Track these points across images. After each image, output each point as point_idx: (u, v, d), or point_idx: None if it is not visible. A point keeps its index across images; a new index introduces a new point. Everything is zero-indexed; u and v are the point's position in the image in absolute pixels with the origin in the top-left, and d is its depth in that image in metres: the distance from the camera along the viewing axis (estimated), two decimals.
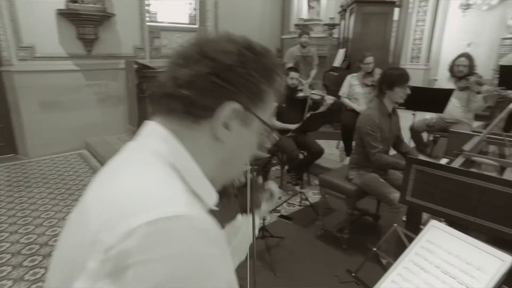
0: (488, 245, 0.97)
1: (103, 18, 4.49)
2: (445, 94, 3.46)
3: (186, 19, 6.13)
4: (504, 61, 4.41)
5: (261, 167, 2.89)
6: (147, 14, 5.14)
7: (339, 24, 5.73)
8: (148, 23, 5.14)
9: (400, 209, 2.22)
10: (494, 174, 1.76)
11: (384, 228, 2.75)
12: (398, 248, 1.14)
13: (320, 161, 3.61)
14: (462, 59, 3.51)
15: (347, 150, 3.89)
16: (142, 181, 0.48)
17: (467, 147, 1.94)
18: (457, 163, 1.86)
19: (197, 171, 0.55)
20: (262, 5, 6.69)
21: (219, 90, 0.53)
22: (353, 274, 1.15)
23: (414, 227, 2.23)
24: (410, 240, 1.09)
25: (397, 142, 2.62)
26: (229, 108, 0.54)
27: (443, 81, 3.78)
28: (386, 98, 2.38)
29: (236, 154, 0.60)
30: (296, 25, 6.05)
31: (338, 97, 3.95)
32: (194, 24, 6.14)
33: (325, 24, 5.97)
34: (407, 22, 6.78)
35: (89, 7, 4.31)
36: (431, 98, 3.52)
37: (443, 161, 2.22)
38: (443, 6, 7.05)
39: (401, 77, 2.31)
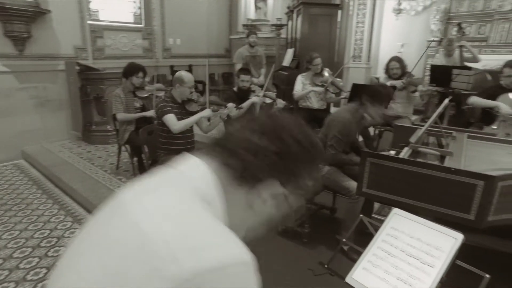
0: (443, 226, 1.08)
1: (37, 14, 4.13)
2: None
3: (130, 18, 5.87)
4: (431, 62, 4.87)
5: None
6: (87, 12, 4.83)
7: (286, 25, 5.89)
8: (89, 22, 4.83)
9: (358, 199, 2.36)
10: (436, 163, 1.94)
11: (340, 220, 2.91)
12: (364, 237, 1.22)
13: None
14: (394, 63, 3.85)
15: None
16: (202, 220, 0.53)
17: (413, 139, 2.12)
18: (405, 154, 2.02)
19: (224, 214, 0.60)
20: (209, 5, 6.64)
21: (273, 169, 0.59)
22: (326, 266, 1.20)
23: (368, 216, 2.39)
24: (376, 228, 1.17)
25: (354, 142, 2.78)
26: (273, 188, 0.60)
27: (384, 80, 4.08)
28: (367, 109, 2.46)
29: (259, 220, 0.66)
30: (244, 25, 6.10)
31: (290, 100, 4.07)
32: (140, 24, 5.90)
33: (272, 25, 6.10)
34: (348, 24, 7.18)
35: (19, 1, 3.93)
36: None
37: (391, 153, 2.40)
38: (379, 10, 7.59)
39: (387, 96, 2.45)
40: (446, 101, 2.22)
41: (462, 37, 4.64)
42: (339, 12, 5.44)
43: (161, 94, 3.78)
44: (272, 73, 4.03)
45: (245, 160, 0.57)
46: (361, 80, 7.18)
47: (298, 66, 4.78)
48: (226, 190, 0.59)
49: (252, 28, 5.63)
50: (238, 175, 0.58)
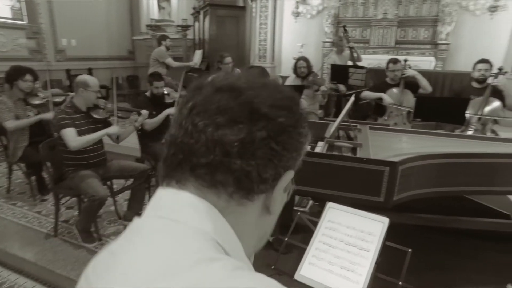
0: (370, 213, 1.21)
1: None
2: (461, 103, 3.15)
3: (7, 13, 5.02)
4: (326, 60, 5.40)
5: (143, 181, 2.72)
6: None
7: (192, 26, 5.81)
8: None
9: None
10: (349, 154, 2.16)
11: None
12: (305, 233, 1.29)
13: None
14: (301, 62, 4.16)
15: None
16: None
17: (327, 134, 2.31)
18: (322, 149, 2.19)
19: (240, 249, 0.47)
20: (107, 2, 6.11)
21: (278, 159, 0.45)
22: (273, 267, 1.23)
23: (290, 209, 2.55)
24: (314, 223, 1.25)
25: None
26: (287, 179, 0.49)
27: (290, 80, 4.36)
28: None
29: (273, 221, 0.54)
30: (148, 25, 5.81)
31: None
32: (21, 20, 5.10)
33: (178, 26, 5.95)
34: (252, 25, 7.46)
35: None
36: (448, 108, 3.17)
37: (307, 147, 2.59)
38: (279, 12, 8.06)
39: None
40: (352, 98, 2.48)
41: (349, 38, 5.22)
42: (245, 14, 5.60)
43: (60, 99, 3.35)
44: (184, 75, 3.94)
45: (238, 169, 0.43)
46: None
47: (208, 68, 4.77)
48: (229, 212, 0.45)
49: (156, 28, 5.39)
50: (238, 189, 0.44)
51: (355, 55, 5.04)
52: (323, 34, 8.30)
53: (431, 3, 7.62)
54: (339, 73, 4.45)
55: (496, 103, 3.40)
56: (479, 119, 3.33)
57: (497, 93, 3.44)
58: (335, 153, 2.21)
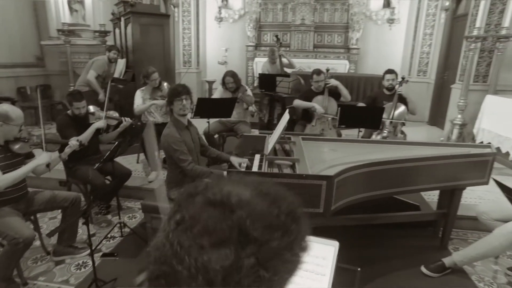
0: (321, 238, 1.32)
1: None
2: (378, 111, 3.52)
3: None
4: (261, 69, 5.56)
5: (84, 212, 2.48)
6: None
7: (111, 32, 5.43)
8: None
9: None
10: (288, 169, 2.29)
11: None
12: None
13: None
14: (228, 78, 4.17)
15: (152, 164, 3.89)
16: None
17: (266, 151, 2.41)
18: (264, 166, 2.28)
19: None
20: (3, 3, 5.34)
21: (267, 285, 0.41)
22: None
23: None
24: None
25: (204, 150, 2.87)
26: None
27: (218, 92, 4.33)
28: (174, 113, 2.57)
29: None
30: (60, 30, 5.26)
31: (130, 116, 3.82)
32: None
33: (95, 31, 5.50)
34: (175, 30, 7.27)
35: None
36: (368, 115, 3.55)
37: (243, 160, 2.67)
38: (202, 16, 8.00)
39: (174, 91, 2.54)
40: (286, 114, 2.62)
41: (280, 47, 5.46)
42: (170, 22, 5.43)
43: None
44: (110, 87, 3.69)
45: None
46: (193, 85, 7.45)
47: (134, 78, 4.53)
48: None
49: (70, 33, 4.93)
50: None
51: (286, 62, 5.27)
52: (246, 38, 8.49)
53: (341, 12, 8.34)
54: (266, 82, 4.63)
55: (402, 108, 3.91)
56: (391, 122, 3.80)
57: (402, 99, 3.96)
58: (275, 169, 2.32)
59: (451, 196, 2.81)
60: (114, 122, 3.30)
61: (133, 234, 2.91)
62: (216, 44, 8.44)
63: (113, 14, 5.20)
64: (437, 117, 6.65)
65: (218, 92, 4.33)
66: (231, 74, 4.20)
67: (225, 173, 2.55)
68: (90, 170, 2.85)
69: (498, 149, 4.26)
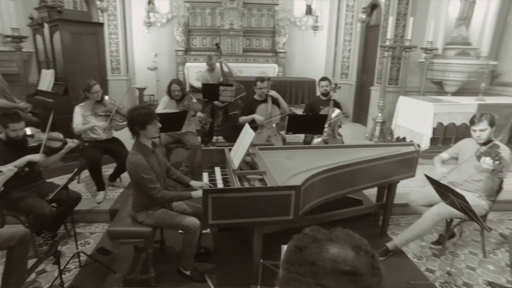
0: None
1: None
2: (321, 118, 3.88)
3: None
4: (199, 77, 5.56)
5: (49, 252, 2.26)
6: None
7: (32, 38, 4.87)
8: None
9: (197, 231, 2.53)
10: (257, 182, 2.43)
11: (171, 249, 3.01)
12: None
13: None
14: (174, 85, 4.15)
15: (98, 185, 3.67)
16: None
17: (234, 166, 2.52)
18: (235, 181, 2.38)
19: None
20: None
21: None
22: None
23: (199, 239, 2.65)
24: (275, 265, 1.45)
25: (167, 171, 2.83)
26: None
27: (164, 101, 4.25)
28: (142, 137, 2.47)
29: None
30: None
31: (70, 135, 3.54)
32: None
33: (7, 36, 4.88)
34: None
35: None
36: (313, 122, 3.86)
37: (204, 175, 2.74)
38: (128, 21, 7.60)
39: (150, 115, 2.43)
40: (250, 130, 2.73)
41: (221, 55, 5.52)
42: (105, 30, 5.08)
43: None
44: (26, 98, 3.34)
45: None
46: (123, 92, 7.04)
47: (67, 92, 4.17)
48: None
49: None
50: None
51: (226, 70, 5.35)
52: (175, 42, 8.34)
53: (268, 17, 8.73)
54: (210, 91, 4.68)
55: (337, 111, 4.35)
56: (329, 125, 4.19)
57: (336, 104, 4.39)
58: (245, 182, 2.44)
59: (388, 190, 3.27)
60: (58, 144, 3.03)
61: (94, 263, 2.75)
62: (145, 50, 8.12)
63: (31, 18, 4.66)
64: (359, 115, 7.46)
65: (163, 102, 4.25)
66: (177, 81, 4.17)
67: (192, 193, 2.55)
68: (44, 203, 2.60)
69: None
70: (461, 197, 2.27)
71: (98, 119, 3.69)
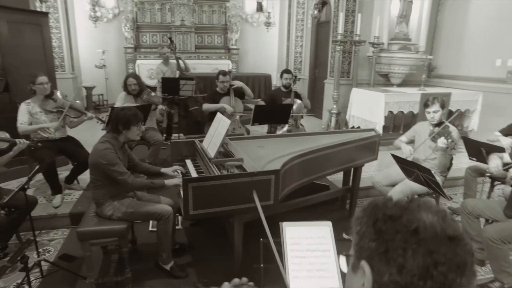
0: (315, 221, 1.54)
1: None
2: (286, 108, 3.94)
3: None
4: (156, 72, 5.33)
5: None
6: None
7: None
8: None
9: (170, 218, 2.45)
10: (237, 171, 2.41)
11: (144, 247, 2.87)
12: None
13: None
14: (131, 79, 3.96)
15: (54, 188, 3.37)
16: None
17: (211, 155, 2.47)
18: (213, 170, 2.34)
19: None
20: None
21: None
22: None
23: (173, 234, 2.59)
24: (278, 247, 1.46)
25: (134, 165, 2.70)
26: None
27: (121, 98, 4.03)
28: (122, 135, 2.44)
29: None
30: None
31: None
32: None
33: None
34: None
35: None
36: (278, 112, 3.88)
37: (175, 168, 2.66)
38: (71, 14, 7.06)
39: (136, 116, 2.42)
40: (225, 118, 2.70)
41: (175, 49, 5.35)
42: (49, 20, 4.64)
43: None
44: None
45: None
46: (70, 91, 6.55)
47: (8, 88, 3.77)
48: None
49: None
50: None
51: (182, 65, 5.21)
52: (123, 39, 7.95)
53: (219, 14, 8.69)
54: (170, 85, 4.53)
55: (299, 102, 4.47)
56: (292, 116, 4.29)
57: (297, 95, 4.51)
58: (223, 171, 2.41)
59: (354, 173, 3.44)
60: (4, 145, 2.73)
61: (58, 271, 2.51)
62: (92, 46, 7.61)
63: None
64: (314, 108, 7.70)
65: (120, 98, 4.02)
66: (134, 75, 4.00)
67: (166, 182, 2.49)
68: None
69: None
70: (427, 171, 2.46)
71: (48, 116, 3.39)
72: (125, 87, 3.98)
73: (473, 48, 5.92)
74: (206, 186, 2.16)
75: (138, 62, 7.72)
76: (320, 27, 7.29)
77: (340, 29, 5.72)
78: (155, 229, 3.13)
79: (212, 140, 2.59)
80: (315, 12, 6.99)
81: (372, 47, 5.91)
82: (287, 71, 4.56)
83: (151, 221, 3.20)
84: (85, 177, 3.82)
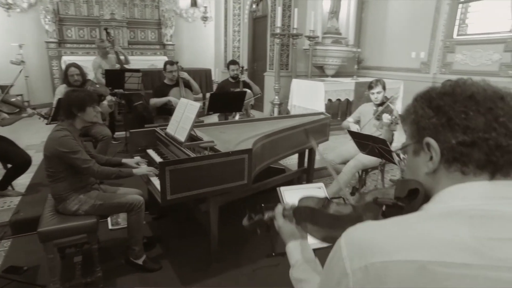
0: (307, 184, 1.63)
1: None
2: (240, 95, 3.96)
3: None
4: (93, 67, 4.88)
5: None
6: None
7: None
8: None
9: (142, 207, 2.34)
10: (208, 152, 2.40)
11: (109, 243, 2.68)
12: None
13: None
14: (73, 69, 3.65)
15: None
16: None
17: (182, 139, 2.41)
18: (187, 154, 2.29)
19: None
20: None
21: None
22: (273, 254, 1.40)
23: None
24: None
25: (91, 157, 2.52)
26: None
27: (60, 90, 3.67)
28: (78, 121, 2.25)
29: None
30: None
31: None
32: None
33: None
34: None
35: None
36: (233, 100, 3.88)
37: (137, 159, 2.57)
38: None
39: (91, 97, 2.27)
40: (194, 102, 2.64)
41: (113, 41, 5.02)
42: None
43: None
44: None
45: None
46: None
47: None
48: None
49: None
50: None
51: (121, 57, 4.91)
52: (44, 32, 7.19)
53: (152, 8, 8.37)
54: (114, 78, 4.25)
55: (249, 91, 4.56)
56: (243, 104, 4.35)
57: (246, 84, 4.60)
58: (197, 154, 2.37)
59: (309, 154, 3.64)
60: (15, 110, 2.39)
61: (10, 283, 2.21)
62: (5, 39, 6.70)
63: None
64: (255, 100, 7.88)
65: (59, 93, 3.65)
66: (75, 65, 3.68)
67: (134, 170, 2.39)
68: None
69: None
70: (382, 141, 2.73)
71: None
72: (66, 78, 3.64)
73: (393, 42, 6.65)
74: (183, 169, 2.12)
75: (64, 58, 7.05)
76: (257, 21, 7.48)
77: (278, 23, 5.95)
78: (116, 227, 2.97)
79: (180, 125, 2.53)
80: (254, 6, 7.15)
81: (308, 40, 6.26)
82: (233, 62, 4.61)
83: (109, 219, 3.00)
84: (22, 181, 3.42)
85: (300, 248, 0.94)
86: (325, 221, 0.86)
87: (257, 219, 1.06)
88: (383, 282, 0.50)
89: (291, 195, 1.53)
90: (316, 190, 1.59)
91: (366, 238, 0.55)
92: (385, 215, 0.70)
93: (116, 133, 4.97)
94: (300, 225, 0.97)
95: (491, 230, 0.51)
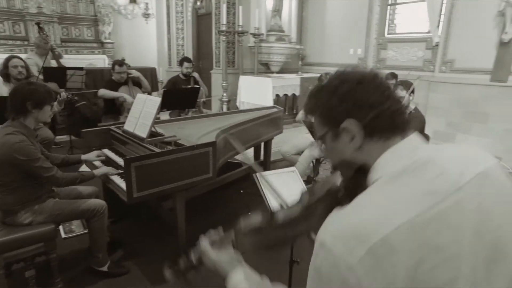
0: (280, 169, 1.73)
1: None
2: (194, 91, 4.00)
3: None
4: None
5: None
6: None
7: None
8: None
9: (105, 212, 2.23)
10: (173, 146, 2.37)
11: (65, 250, 2.51)
12: None
13: None
14: (16, 60, 3.38)
15: None
16: None
17: (144, 135, 2.35)
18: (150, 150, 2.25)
19: None
20: None
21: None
22: None
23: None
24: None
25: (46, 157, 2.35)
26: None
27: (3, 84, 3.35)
28: (30, 119, 2.02)
29: None
30: None
31: None
32: None
33: None
34: None
35: None
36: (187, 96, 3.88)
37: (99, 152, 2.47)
38: None
39: (50, 94, 2.08)
40: (155, 97, 2.57)
41: (47, 37, 4.62)
42: None
43: None
44: None
45: None
46: None
47: None
48: None
49: None
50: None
51: (56, 53, 4.56)
52: None
53: (86, 3, 7.85)
54: (54, 75, 3.94)
55: (202, 88, 4.55)
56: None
57: (196, 82, 4.59)
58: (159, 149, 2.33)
59: (265, 147, 3.75)
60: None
61: None
62: None
63: None
64: None
65: None
66: (18, 56, 3.37)
67: (95, 172, 2.27)
68: None
69: None
70: None
71: None
72: (5, 71, 3.30)
73: (332, 39, 7.07)
74: (149, 165, 2.08)
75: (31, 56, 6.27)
76: (201, 19, 7.43)
77: (224, 20, 5.99)
78: (70, 235, 2.78)
79: (139, 121, 2.46)
80: (198, 3, 7.08)
81: (254, 38, 6.40)
82: (187, 59, 4.57)
83: (61, 227, 2.80)
84: None
85: (243, 275, 0.82)
86: (280, 232, 0.82)
87: (185, 267, 0.92)
88: (393, 252, 0.53)
89: (269, 178, 1.61)
90: (290, 173, 1.69)
91: (353, 224, 0.57)
92: (345, 199, 0.69)
93: (57, 136, 4.60)
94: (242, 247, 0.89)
95: (429, 172, 0.63)
